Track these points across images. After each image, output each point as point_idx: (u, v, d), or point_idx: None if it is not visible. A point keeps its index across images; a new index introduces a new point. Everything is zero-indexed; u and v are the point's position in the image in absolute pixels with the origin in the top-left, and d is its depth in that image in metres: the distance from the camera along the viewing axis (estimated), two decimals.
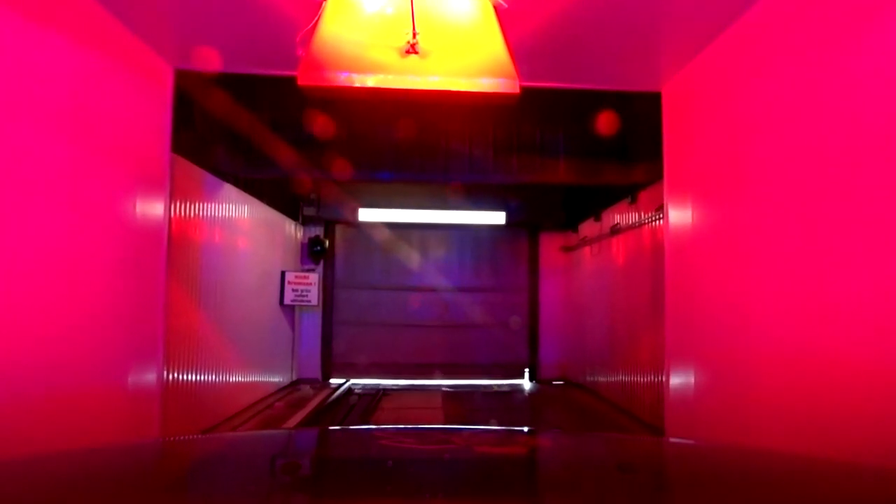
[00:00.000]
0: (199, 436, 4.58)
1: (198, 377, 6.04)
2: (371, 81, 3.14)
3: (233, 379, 7.14)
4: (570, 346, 10.54)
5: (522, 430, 2.50)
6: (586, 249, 9.57)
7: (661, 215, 6.31)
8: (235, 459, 1.52)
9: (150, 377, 4.09)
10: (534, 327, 11.01)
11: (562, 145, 7.07)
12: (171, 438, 3.13)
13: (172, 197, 5.36)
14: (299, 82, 3.15)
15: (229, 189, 7.01)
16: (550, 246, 10.95)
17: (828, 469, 1.37)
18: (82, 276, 3.42)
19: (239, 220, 7.40)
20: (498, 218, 10.63)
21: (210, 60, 4.14)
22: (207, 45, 4.10)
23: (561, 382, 10.67)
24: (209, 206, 6.43)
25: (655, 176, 6.85)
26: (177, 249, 5.54)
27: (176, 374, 5.49)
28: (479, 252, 10.98)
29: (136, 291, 3.93)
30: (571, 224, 10.46)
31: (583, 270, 9.86)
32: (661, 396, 6.16)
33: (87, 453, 1.44)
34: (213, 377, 6.51)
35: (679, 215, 4.47)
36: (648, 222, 6.92)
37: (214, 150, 6.70)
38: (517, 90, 3.18)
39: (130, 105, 3.98)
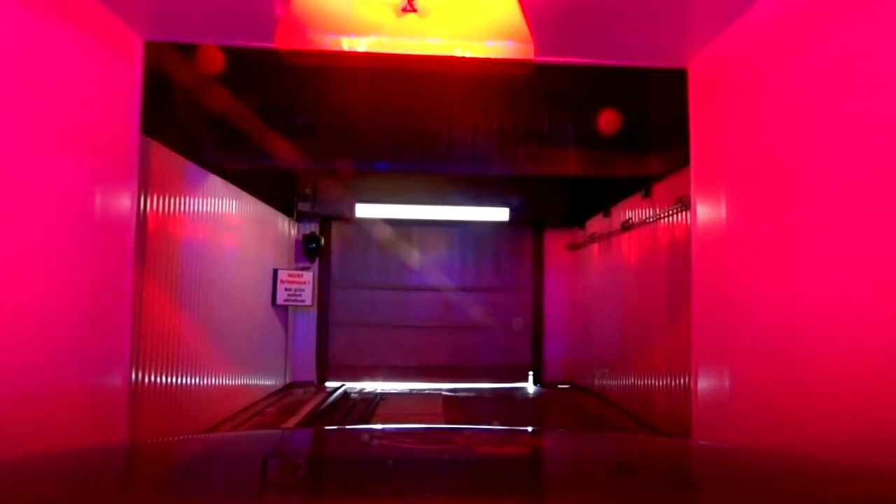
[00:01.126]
0: (200, 435, 4.57)
1: (179, 380, 5.59)
2: (361, 45, 2.67)
3: (219, 382, 6.68)
4: (577, 348, 10.10)
5: (523, 430, 2.50)
6: (594, 247, 9.12)
7: (680, 208, 5.85)
8: (237, 459, 1.52)
9: (115, 379, 3.66)
10: (538, 328, 10.59)
11: (571, 134, 6.61)
12: (171, 438, 3.08)
13: (149, 187, 4.93)
14: (278, 45, 2.71)
15: (215, 181, 6.54)
16: (555, 244, 10.52)
17: (830, 469, 1.37)
18: (30, 269, 2.97)
19: (226, 215, 6.94)
20: (501, 214, 10.21)
21: (184, 30, 3.68)
22: (180, 12, 3.64)
23: (566, 386, 10.24)
24: (192, 198, 5.97)
25: (671, 167, 6.42)
26: (154, 245, 5.10)
27: (152, 377, 5.04)
28: (481, 250, 10.62)
29: (97, 287, 3.47)
30: (578, 221, 10.02)
31: (590, 269, 9.41)
32: (678, 402, 5.73)
33: (80, 454, 1.45)
34: (197, 380, 6.05)
35: (709, 207, 4.01)
36: (664, 217, 6.45)
37: (199, 138, 6.24)
38: (532, 55, 2.71)
39: (92, 80, 3.52)
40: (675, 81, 6.32)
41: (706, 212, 4.06)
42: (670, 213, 6.25)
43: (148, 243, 4.98)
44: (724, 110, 3.88)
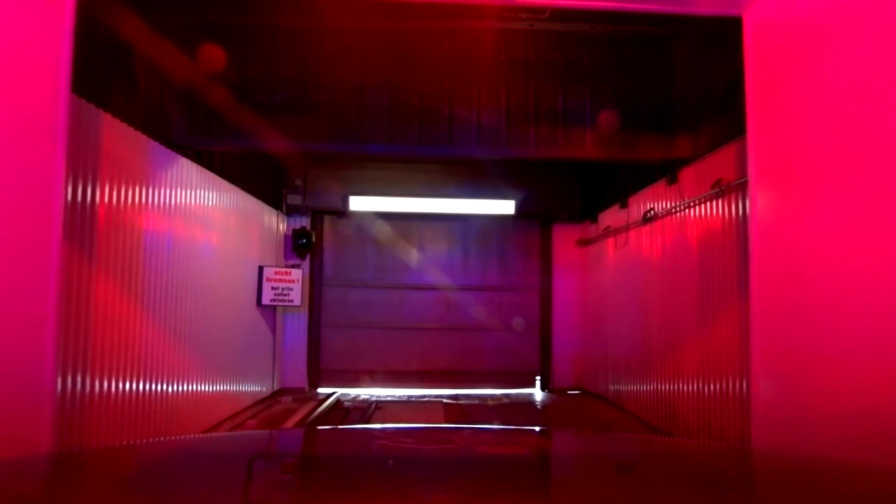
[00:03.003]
0: (200, 435, 4.55)
1: (142, 387, 4.87)
2: None
3: (194, 389, 5.96)
4: (588, 351, 9.40)
5: (522, 430, 2.53)
6: (609, 242, 8.38)
7: (716, 195, 5.12)
8: (237, 458, 1.54)
9: (35, 383, 2.94)
10: (546, 330, 9.91)
11: (588, 113, 5.88)
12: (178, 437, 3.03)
13: (98, 168, 4.20)
14: None
15: (187, 166, 5.80)
16: (565, 239, 9.85)
17: (832, 469, 1.39)
18: None
19: (202, 205, 6.18)
20: (506, 207, 9.54)
21: None
22: None
23: (577, 392, 9.57)
24: (158, 183, 5.23)
25: (700, 149, 5.70)
26: (106, 235, 4.37)
27: (106, 383, 4.33)
28: (484, 246, 10.01)
29: (5, 279, 2.74)
30: (589, 214, 9.31)
31: (604, 266, 8.67)
32: (713, 410, 5.04)
33: (71, 455, 1.62)
34: (165, 387, 5.32)
35: (773, 191, 3.25)
36: (694, 206, 5.71)
37: (167, 115, 5.50)
38: None
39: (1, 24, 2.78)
40: (705, 51, 5.62)
41: (769, 197, 3.31)
42: (702, 200, 5.51)
43: (98, 233, 4.26)
44: (793, 68, 3.12)
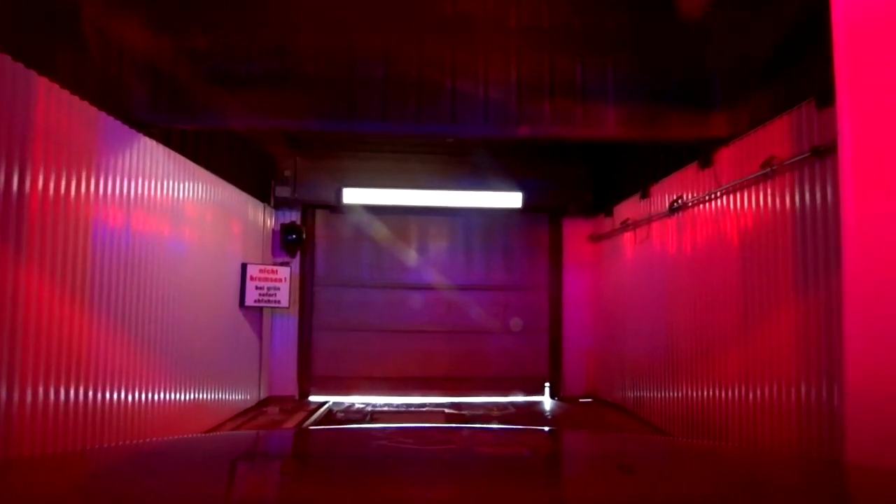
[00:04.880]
0: (201, 435, 4.51)
1: (87, 396, 4.14)
2: None
3: (160, 398, 5.24)
4: (602, 356, 8.71)
5: (522, 430, 2.57)
6: (626, 236, 7.65)
7: (765, 176, 4.39)
8: (238, 457, 1.56)
9: None
10: (556, 333, 9.25)
11: (610, 86, 5.14)
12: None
13: (27, 141, 3.47)
14: None
15: (151, 147, 5.06)
16: (576, 234, 9.18)
17: (835, 471, 1.46)
18: None
19: (170, 194, 5.44)
20: (513, 200, 8.84)
21: None
22: None
23: (589, 400, 8.89)
24: (112, 167, 4.49)
25: (739, 127, 4.97)
26: (39, 226, 3.65)
27: (37, 391, 3.63)
28: (489, 242, 9.35)
29: None
30: (603, 207, 8.58)
31: (620, 263, 7.94)
32: (758, 420, 4.34)
33: (62, 457, 1.61)
34: (121, 396, 4.60)
35: (876, 163, 2.49)
36: (735, 191, 4.96)
37: (126, 88, 4.76)
38: None
39: None
40: (744, 13, 4.89)
41: (870, 170, 2.55)
42: (745, 184, 4.76)
43: (30, 224, 3.53)
44: None
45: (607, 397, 8.45)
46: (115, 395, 4.52)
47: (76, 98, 4.02)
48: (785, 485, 1.28)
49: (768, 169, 4.33)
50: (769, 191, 4.43)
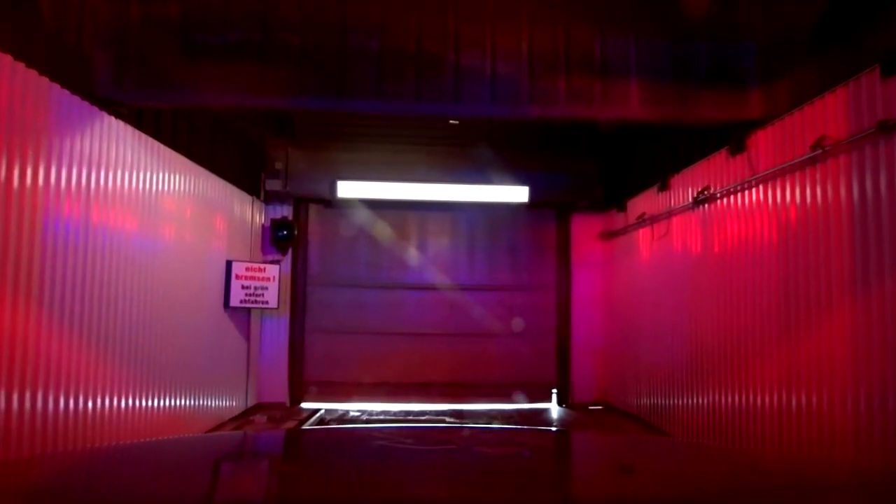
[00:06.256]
0: (204, 435, 4.56)
1: (30, 403, 3.58)
2: None
3: (127, 406, 4.70)
4: (614, 360, 8.21)
5: (522, 430, 2.78)
6: (641, 233, 7.11)
7: (814, 158, 3.83)
8: (237, 458, 1.58)
9: None
10: (564, 336, 8.75)
11: (633, 61, 4.60)
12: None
13: None
14: None
15: (118, 128, 4.50)
16: (586, 231, 8.67)
17: (834, 471, 1.47)
18: None
19: (140, 182, 4.88)
20: (519, 194, 8.31)
21: None
22: None
23: (600, 407, 8.39)
24: (68, 148, 3.93)
25: (777, 107, 4.42)
26: None
27: None
28: (493, 240, 8.87)
29: None
30: (615, 201, 8.06)
31: (635, 261, 7.40)
32: (808, 429, 3.85)
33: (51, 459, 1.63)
34: (77, 404, 4.06)
35: None
36: (775, 177, 4.40)
37: (87, 60, 4.21)
38: None
39: None
40: None
41: None
42: (788, 170, 4.20)
43: None
44: None
45: (620, 405, 7.90)
46: (69, 402, 3.96)
47: (21, 65, 3.47)
48: (785, 485, 1.27)
49: (819, 151, 3.77)
50: (819, 177, 3.88)
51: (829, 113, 3.77)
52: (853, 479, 1.33)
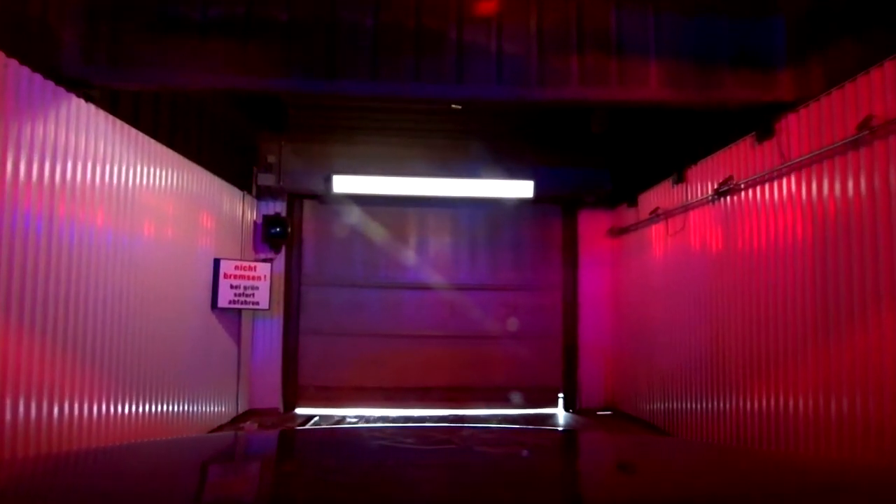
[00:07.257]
0: (206, 434, 4.67)
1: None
2: None
3: (103, 411, 4.34)
4: (624, 364, 7.87)
5: (522, 430, 2.70)
6: (654, 229, 6.73)
7: (852, 144, 3.44)
8: (232, 458, 1.57)
9: None
10: (571, 338, 8.40)
11: (652, 39, 4.21)
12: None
13: None
14: None
15: (88, 111, 4.11)
16: (594, 228, 8.36)
17: (839, 470, 1.44)
18: None
19: (113, 173, 4.48)
20: (523, 189, 7.95)
21: None
22: None
23: (608, 413, 8.04)
24: (26, 133, 3.54)
25: (814, 86, 4.04)
26: None
27: None
28: (496, 237, 8.54)
29: None
30: (625, 196, 7.69)
31: (647, 258, 7.02)
32: (849, 437, 3.48)
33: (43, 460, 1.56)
34: (43, 411, 3.67)
35: None
36: (810, 164, 4.00)
37: (50, 34, 3.82)
38: None
39: None
40: None
41: None
42: (826, 156, 3.80)
43: None
44: None
45: (630, 410, 7.52)
46: (29, 408, 3.57)
47: None
48: (786, 485, 1.25)
49: (866, 132, 3.37)
50: (863, 162, 3.49)
51: (877, 90, 3.38)
52: (859, 479, 1.29)
